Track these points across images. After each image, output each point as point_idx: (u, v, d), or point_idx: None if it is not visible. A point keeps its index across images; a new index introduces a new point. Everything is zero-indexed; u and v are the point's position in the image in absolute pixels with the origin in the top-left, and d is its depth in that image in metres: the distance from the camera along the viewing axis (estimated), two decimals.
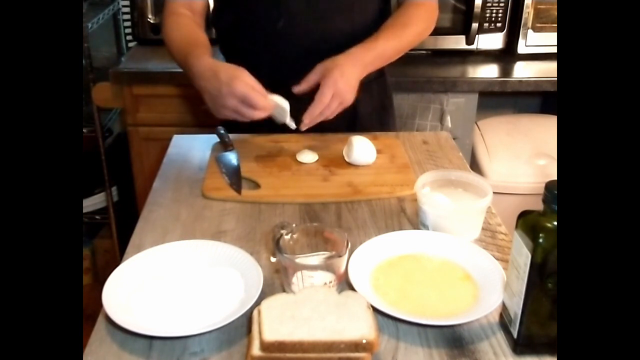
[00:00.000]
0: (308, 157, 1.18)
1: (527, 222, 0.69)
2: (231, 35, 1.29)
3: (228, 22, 1.29)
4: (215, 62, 1.12)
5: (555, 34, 1.99)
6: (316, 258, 0.85)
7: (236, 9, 1.27)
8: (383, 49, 1.21)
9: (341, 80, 1.11)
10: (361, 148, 1.15)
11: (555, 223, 0.66)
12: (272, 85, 1.24)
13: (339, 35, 1.24)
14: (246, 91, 1.04)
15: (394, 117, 1.47)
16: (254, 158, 1.19)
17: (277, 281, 0.85)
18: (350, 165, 1.16)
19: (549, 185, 0.67)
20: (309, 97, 1.14)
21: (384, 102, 1.42)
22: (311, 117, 1.12)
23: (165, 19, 1.28)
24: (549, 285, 0.68)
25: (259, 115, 1.07)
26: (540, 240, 0.66)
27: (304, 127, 1.12)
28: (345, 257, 0.80)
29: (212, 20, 1.34)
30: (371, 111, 1.35)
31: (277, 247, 0.81)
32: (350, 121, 1.28)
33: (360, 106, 1.20)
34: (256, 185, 1.10)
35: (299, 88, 1.16)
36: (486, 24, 2.02)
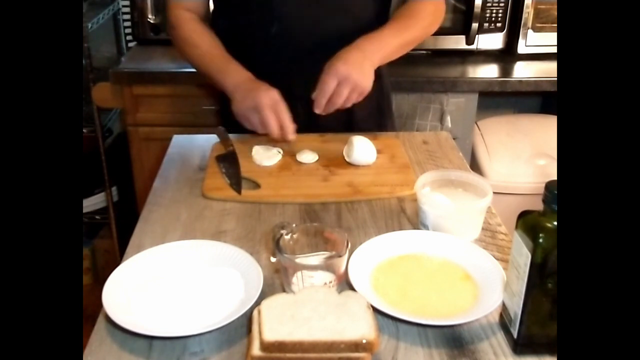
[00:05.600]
0: (308, 157, 1.18)
1: (527, 222, 0.69)
2: (227, 39, 1.29)
3: (223, 27, 1.29)
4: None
5: (555, 34, 1.99)
6: (316, 258, 0.85)
7: (231, 14, 1.27)
8: (387, 40, 1.18)
9: (344, 67, 1.10)
10: (361, 148, 1.15)
11: (555, 223, 0.66)
12: None
13: (333, 39, 1.23)
14: (280, 100, 1.11)
15: (392, 119, 1.46)
16: (254, 158, 1.19)
17: (277, 281, 0.85)
18: (350, 165, 1.16)
19: (549, 185, 0.67)
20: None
21: (381, 105, 1.40)
22: (319, 107, 1.13)
23: (174, 26, 1.28)
24: (549, 285, 0.68)
25: (274, 127, 1.11)
26: (540, 240, 0.66)
27: (322, 113, 1.15)
28: (345, 257, 0.80)
29: (210, 24, 1.34)
30: (368, 113, 1.34)
31: (277, 247, 0.81)
32: (346, 123, 1.28)
33: (356, 108, 1.19)
34: (256, 185, 1.10)
35: (315, 94, 1.15)
36: (486, 24, 2.02)
